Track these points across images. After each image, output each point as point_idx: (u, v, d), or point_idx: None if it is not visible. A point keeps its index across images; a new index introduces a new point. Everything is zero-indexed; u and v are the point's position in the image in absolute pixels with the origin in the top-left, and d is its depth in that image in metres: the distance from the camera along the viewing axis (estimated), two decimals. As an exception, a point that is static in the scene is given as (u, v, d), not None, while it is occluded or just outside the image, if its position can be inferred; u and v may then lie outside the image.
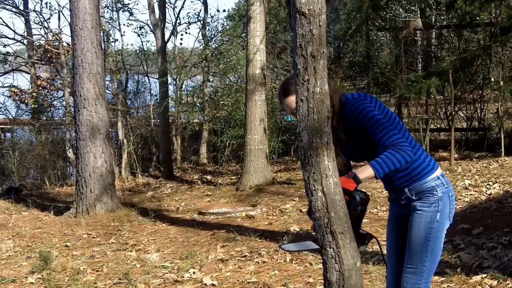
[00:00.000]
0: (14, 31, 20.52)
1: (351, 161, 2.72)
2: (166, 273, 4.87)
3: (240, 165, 11.20)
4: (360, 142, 2.55)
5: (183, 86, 14.91)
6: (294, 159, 12.29)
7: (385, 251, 2.89)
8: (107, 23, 14.06)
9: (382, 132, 2.45)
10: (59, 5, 30.45)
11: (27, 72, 16.22)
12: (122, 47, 14.96)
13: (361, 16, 12.19)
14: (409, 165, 2.54)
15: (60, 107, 15.54)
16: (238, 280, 4.53)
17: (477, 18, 11.75)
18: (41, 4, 30.58)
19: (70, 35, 8.79)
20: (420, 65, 13.52)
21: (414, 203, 2.59)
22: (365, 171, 2.41)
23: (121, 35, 27.50)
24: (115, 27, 16.48)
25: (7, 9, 15.49)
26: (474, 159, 9.74)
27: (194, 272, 4.79)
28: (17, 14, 15.60)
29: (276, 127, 12.68)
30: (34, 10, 15.04)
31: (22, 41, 15.79)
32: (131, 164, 12.54)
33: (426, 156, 2.61)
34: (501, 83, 10.26)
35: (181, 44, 25.55)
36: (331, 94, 2.46)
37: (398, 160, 2.40)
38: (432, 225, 2.54)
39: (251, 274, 4.63)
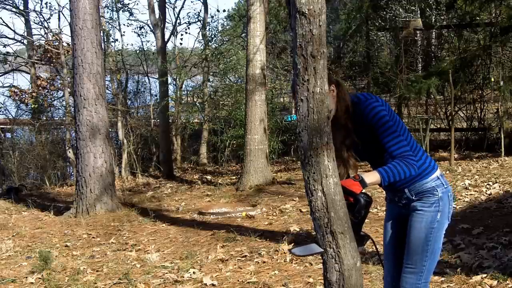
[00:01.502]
0: (14, 31, 20.58)
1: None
2: (166, 273, 4.87)
3: (240, 165, 11.20)
4: (369, 142, 2.54)
5: (183, 86, 14.93)
6: (294, 159, 12.29)
7: (381, 251, 2.88)
8: (107, 23, 14.08)
9: (392, 140, 2.45)
10: (59, 5, 30.45)
11: (27, 72, 16.23)
12: (122, 47, 14.99)
13: (361, 16, 12.19)
14: None
15: (60, 107, 15.55)
16: (238, 280, 4.53)
17: (477, 18, 11.75)
18: (41, 4, 30.67)
19: (70, 35, 8.80)
20: (420, 65, 13.52)
21: (414, 203, 2.59)
22: (372, 177, 2.41)
23: (121, 35, 27.56)
24: (115, 27, 16.53)
25: (7, 9, 15.52)
26: (474, 159, 9.74)
27: (194, 272, 4.79)
28: (17, 14, 15.62)
29: (276, 127, 12.69)
30: (34, 10, 15.08)
31: (22, 41, 15.80)
32: (131, 164, 12.54)
33: (426, 156, 2.61)
34: (501, 83, 10.26)
35: (181, 44, 25.57)
36: (343, 95, 2.49)
37: (405, 173, 2.42)
38: (433, 225, 2.54)
39: (251, 274, 4.63)
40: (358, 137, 2.55)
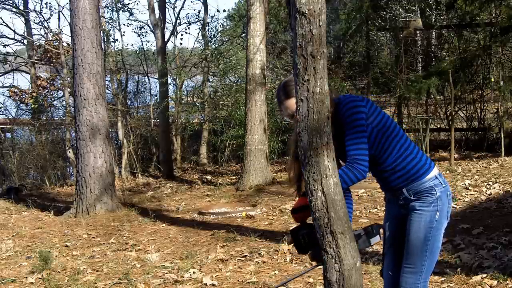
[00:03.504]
0: (14, 31, 20.59)
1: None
2: (166, 273, 4.87)
3: (240, 165, 11.20)
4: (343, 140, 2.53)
5: (183, 86, 14.92)
6: (294, 159, 12.25)
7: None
8: (107, 23, 14.07)
9: (353, 140, 2.45)
10: (59, 5, 30.47)
11: (27, 72, 16.22)
12: (122, 47, 14.98)
13: (361, 16, 12.18)
14: (406, 165, 2.54)
15: (60, 107, 15.55)
16: (238, 280, 4.53)
17: (477, 18, 11.74)
18: (41, 4, 30.62)
19: (70, 35, 8.80)
20: (420, 65, 13.51)
21: (413, 203, 2.58)
22: None
23: (121, 35, 27.63)
24: (115, 27, 16.55)
25: (7, 9, 15.52)
26: (474, 159, 9.74)
27: (194, 272, 4.79)
28: (17, 14, 15.62)
29: (276, 127, 12.68)
30: (34, 10, 15.07)
31: (22, 41, 15.79)
32: (131, 164, 12.54)
33: (422, 155, 2.60)
34: (501, 83, 10.25)
35: (181, 44, 25.60)
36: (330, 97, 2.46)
37: (346, 181, 2.42)
38: (432, 225, 2.54)
39: (251, 274, 4.64)
40: (340, 139, 2.53)
